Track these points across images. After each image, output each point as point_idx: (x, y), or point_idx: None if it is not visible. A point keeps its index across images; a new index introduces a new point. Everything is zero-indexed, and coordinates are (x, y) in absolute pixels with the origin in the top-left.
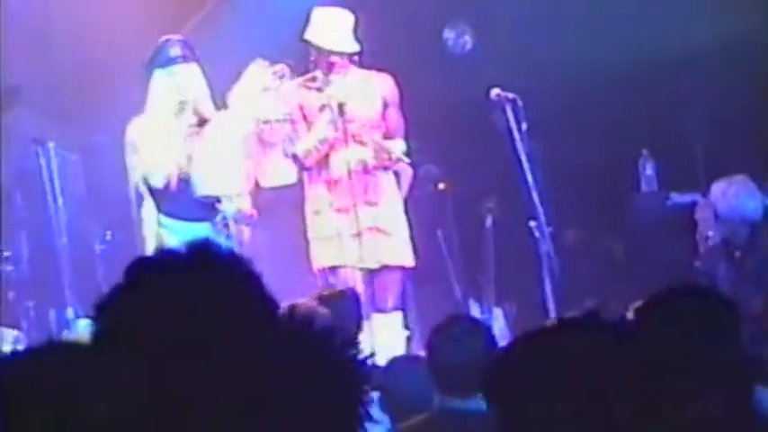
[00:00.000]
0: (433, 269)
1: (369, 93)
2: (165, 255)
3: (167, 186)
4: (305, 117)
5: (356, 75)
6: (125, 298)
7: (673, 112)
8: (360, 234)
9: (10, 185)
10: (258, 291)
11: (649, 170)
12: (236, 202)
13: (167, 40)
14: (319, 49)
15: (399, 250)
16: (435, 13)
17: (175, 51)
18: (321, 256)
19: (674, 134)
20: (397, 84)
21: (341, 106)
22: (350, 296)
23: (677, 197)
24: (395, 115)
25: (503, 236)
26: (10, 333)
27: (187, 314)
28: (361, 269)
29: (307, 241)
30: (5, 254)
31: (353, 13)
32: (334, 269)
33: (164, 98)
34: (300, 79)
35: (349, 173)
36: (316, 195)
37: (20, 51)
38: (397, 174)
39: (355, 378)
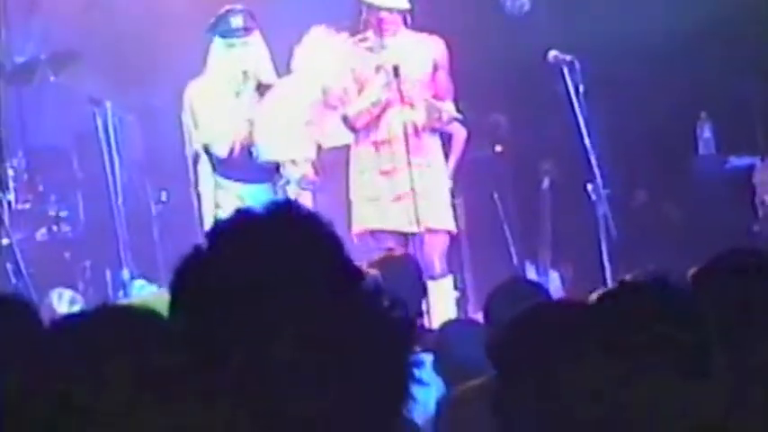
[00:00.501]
0: (490, 232)
1: (421, 54)
2: (245, 216)
3: (230, 152)
4: (356, 79)
5: (407, 36)
6: (206, 261)
7: (731, 75)
8: (405, 196)
9: (67, 146)
10: (339, 254)
11: (707, 133)
12: (301, 167)
13: (230, 10)
14: (370, 6)
15: (443, 214)
16: None
17: (237, 22)
18: (363, 218)
19: (732, 97)
20: (447, 47)
21: (396, 69)
22: (408, 260)
23: (735, 160)
24: (444, 78)
25: (559, 198)
26: (66, 293)
27: (267, 277)
28: (404, 233)
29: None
30: (62, 214)
31: None
32: (375, 232)
33: (223, 67)
34: (351, 40)
35: (399, 134)
36: (362, 156)
37: (80, 13)
38: (449, 136)
39: (403, 339)
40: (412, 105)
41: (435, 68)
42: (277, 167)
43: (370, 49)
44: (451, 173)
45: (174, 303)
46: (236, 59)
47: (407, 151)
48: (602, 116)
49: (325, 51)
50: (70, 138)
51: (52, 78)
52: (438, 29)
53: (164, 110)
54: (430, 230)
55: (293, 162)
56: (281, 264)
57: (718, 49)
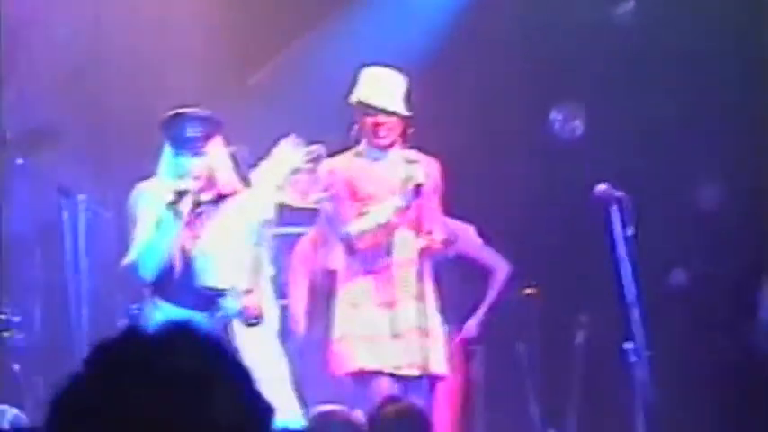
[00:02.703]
0: (510, 388)
1: (427, 176)
2: (133, 336)
3: (163, 271)
4: (353, 194)
5: (407, 153)
6: (81, 388)
7: None
8: (403, 334)
9: (29, 241)
10: (246, 387)
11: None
12: (242, 298)
13: (181, 114)
14: (368, 110)
15: (442, 356)
16: (541, 91)
17: (190, 131)
18: (354, 358)
19: None
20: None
21: (419, 187)
22: (420, 413)
23: None
24: (438, 205)
25: (594, 356)
26: (10, 412)
27: (152, 412)
28: (399, 376)
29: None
30: (15, 319)
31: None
32: (365, 375)
33: (165, 175)
34: (349, 153)
35: (405, 263)
36: (355, 286)
37: (63, 88)
38: (486, 270)
39: None
40: (420, 231)
41: (434, 192)
42: (217, 296)
43: (371, 163)
44: (482, 314)
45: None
46: (183, 174)
47: (403, 283)
48: (651, 264)
49: (289, 166)
50: (34, 232)
51: (20, 161)
52: (470, 149)
53: None
54: (436, 377)
55: (234, 292)
56: (173, 396)
57: None
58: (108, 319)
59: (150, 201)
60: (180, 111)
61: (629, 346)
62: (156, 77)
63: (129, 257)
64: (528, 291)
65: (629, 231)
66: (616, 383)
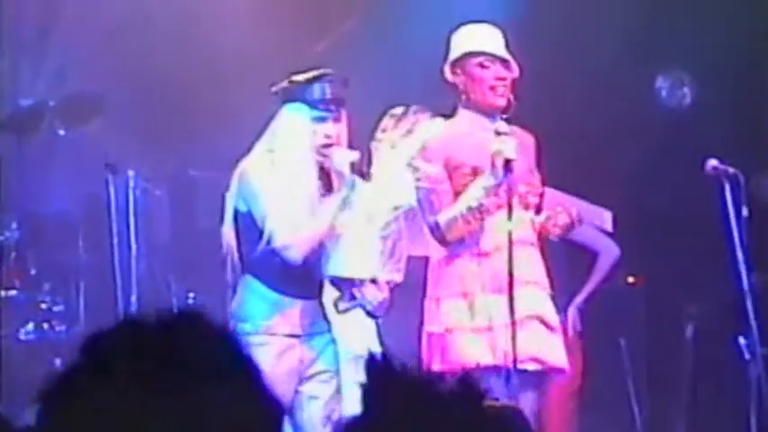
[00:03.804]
0: (610, 387)
1: (524, 149)
2: (132, 327)
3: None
4: (451, 176)
5: (499, 125)
6: (75, 383)
7: None
8: (518, 323)
9: (73, 221)
10: (257, 384)
11: None
12: (382, 288)
13: (325, 74)
14: (482, 60)
15: (561, 347)
16: (646, 57)
17: (331, 92)
18: (467, 353)
19: None
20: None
21: (508, 163)
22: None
23: None
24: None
25: (705, 352)
26: None
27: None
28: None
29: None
30: (56, 308)
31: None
32: (481, 370)
33: (304, 144)
34: (444, 125)
35: (508, 244)
36: (462, 273)
37: (109, 52)
38: (593, 253)
39: None
40: (526, 207)
41: (531, 171)
42: (320, 285)
43: (468, 134)
44: (582, 300)
45: None
46: (321, 138)
47: (513, 268)
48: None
49: (418, 143)
50: (77, 211)
51: (62, 132)
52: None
53: (204, 186)
54: (549, 371)
55: (374, 282)
56: (168, 392)
57: None
58: (159, 307)
59: (282, 181)
60: (324, 71)
61: (742, 341)
62: (211, 40)
63: (280, 240)
64: (631, 279)
65: (744, 212)
66: (729, 383)
